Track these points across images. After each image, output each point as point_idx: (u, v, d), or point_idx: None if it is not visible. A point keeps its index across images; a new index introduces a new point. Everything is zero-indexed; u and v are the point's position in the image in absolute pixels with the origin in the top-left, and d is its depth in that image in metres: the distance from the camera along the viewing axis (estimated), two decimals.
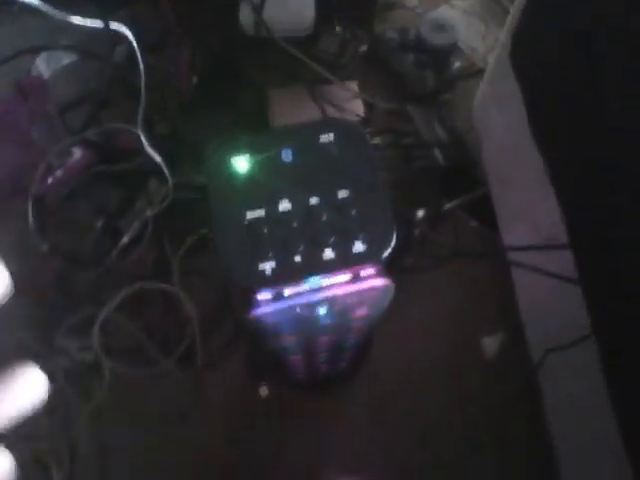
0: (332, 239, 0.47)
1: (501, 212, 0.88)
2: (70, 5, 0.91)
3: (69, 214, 0.84)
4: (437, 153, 0.97)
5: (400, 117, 1.02)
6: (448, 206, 0.92)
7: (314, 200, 0.48)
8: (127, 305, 0.80)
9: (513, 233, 0.86)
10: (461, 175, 0.95)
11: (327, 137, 0.50)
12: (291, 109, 0.98)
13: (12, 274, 0.75)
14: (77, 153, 0.87)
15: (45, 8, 0.89)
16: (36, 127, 0.89)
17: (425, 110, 1.01)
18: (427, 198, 0.93)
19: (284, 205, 0.48)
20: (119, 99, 0.94)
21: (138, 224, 0.82)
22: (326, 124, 0.53)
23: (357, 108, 1.00)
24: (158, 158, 0.82)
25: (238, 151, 0.49)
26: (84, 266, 0.81)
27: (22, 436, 0.75)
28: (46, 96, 0.92)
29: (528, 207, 0.78)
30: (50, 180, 0.85)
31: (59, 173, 0.86)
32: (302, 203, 0.48)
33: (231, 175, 0.49)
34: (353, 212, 0.48)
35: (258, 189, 0.48)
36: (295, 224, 0.47)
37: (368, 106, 1.01)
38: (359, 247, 0.47)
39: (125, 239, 0.82)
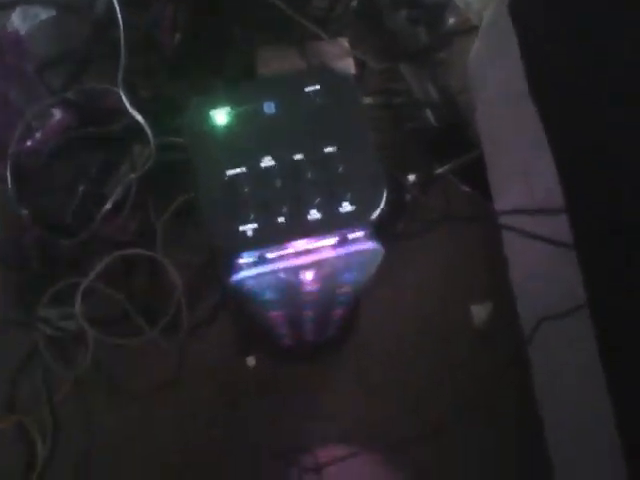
0: (318, 199, 0.44)
1: (494, 174, 0.85)
2: None
3: (49, 178, 0.81)
4: (429, 114, 0.94)
5: (392, 76, 0.98)
6: (439, 171, 0.89)
7: (298, 156, 0.45)
8: (110, 273, 0.78)
9: (506, 197, 0.83)
10: (453, 137, 0.92)
11: (313, 88, 0.47)
12: (280, 66, 0.94)
13: None
14: (57, 114, 0.83)
15: None
16: (13, 85, 0.85)
17: (418, 69, 0.97)
18: (418, 161, 0.90)
19: (267, 162, 0.45)
20: (100, 58, 0.90)
21: (121, 189, 0.79)
22: (312, 74, 0.50)
23: (348, 66, 0.97)
24: (140, 118, 0.79)
25: (218, 104, 0.46)
26: (66, 233, 0.78)
27: (4, 404, 0.74)
28: (23, 53, 0.87)
29: (522, 169, 0.75)
30: (29, 142, 0.82)
31: (38, 135, 0.82)
32: (286, 160, 0.45)
33: (211, 129, 0.46)
34: (340, 170, 0.45)
35: (239, 144, 0.45)
36: (278, 182, 0.44)
37: (359, 64, 0.97)
38: (346, 207, 0.44)
39: (108, 205, 0.79)
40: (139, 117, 0.79)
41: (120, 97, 0.81)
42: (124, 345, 0.77)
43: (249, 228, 0.43)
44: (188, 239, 0.83)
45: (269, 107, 0.47)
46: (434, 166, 0.89)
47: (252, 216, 0.43)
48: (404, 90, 0.95)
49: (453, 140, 0.91)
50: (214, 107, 0.46)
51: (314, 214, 0.44)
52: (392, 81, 0.97)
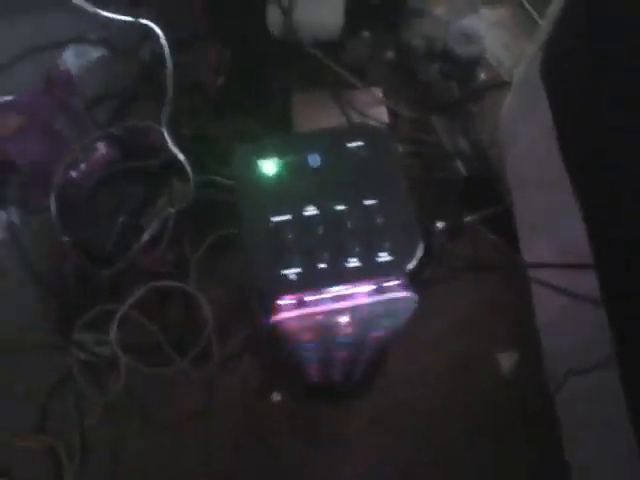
0: (357, 248, 0.47)
1: (523, 226, 0.87)
2: None
3: (91, 209, 0.84)
4: (459, 165, 0.96)
5: (424, 126, 1.01)
6: (468, 219, 0.91)
7: (340, 207, 0.48)
8: (145, 302, 0.81)
9: (534, 248, 0.84)
10: (483, 189, 0.94)
11: (355, 143, 0.50)
12: (315, 113, 0.98)
13: (32, 266, 0.75)
14: (102, 148, 0.87)
15: (76, 1, 0.90)
16: (62, 119, 0.90)
17: (449, 121, 1.00)
18: (447, 209, 0.92)
19: (310, 211, 0.48)
20: (146, 96, 0.95)
21: (159, 222, 0.82)
22: (354, 130, 0.53)
23: (381, 115, 1.00)
24: (181, 156, 0.82)
25: (266, 154, 0.50)
26: (104, 261, 0.81)
27: (35, 426, 0.75)
28: (74, 89, 0.92)
29: (551, 223, 0.76)
30: (74, 174, 0.86)
31: (83, 167, 0.86)
32: (328, 209, 0.48)
33: (258, 178, 0.49)
34: (379, 221, 0.48)
35: (285, 193, 0.49)
36: (320, 231, 0.47)
37: (392, 114, 1.01)
38: (384, 257, 0.47)
39: (146, 237, 0.82)
40: (180, 155, 0.83)
41: (163, 134, 0.85)
42: (154, 374, 0.79)
43: (291, 272, 0.46)
44: (221, 274, 0.86)
45: (314, 159, 0.50)
46: (463, 215, 0.91)
47: (295, 261, 0.46)
48: (435, 141, 0.98)
49: (483, 192, 0.93)
50: (262, 157, 0.49)
51: (353, 262, 0.47)
52: (423, 131, 1.00)
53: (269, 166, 0.49)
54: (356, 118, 0.97)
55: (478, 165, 0.95)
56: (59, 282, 0.82)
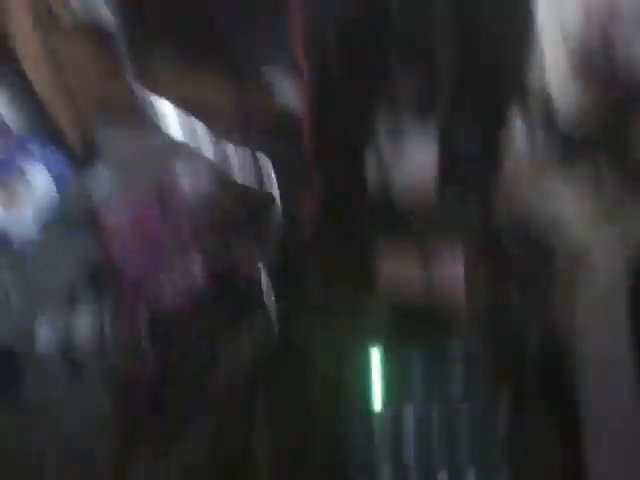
0: (445, 463, 0.48)
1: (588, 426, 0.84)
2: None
3: (179, 328, 0.88)
4: (532, 343, 0.96)
5: (500, 295, 1.03)
6: (531, 405, 0.89)
7: (435, 413, 0.50)
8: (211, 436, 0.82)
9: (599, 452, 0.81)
10: (554, 375, 0.93)
11: (456, 347, 0.53)
12: (397, 267, 1.01)
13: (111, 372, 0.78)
14: (197, 270, 0.93)
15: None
16: (168, 234, 0.97)
17: (526, 296, 1.02)
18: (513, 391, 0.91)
19: (408, 411, 0.50)
20: (248, 226, 1.00)
21: (237, 360, 0.85)
22: (456, 331, 0.55)
23: (459, 280, 1.02)
24: (272, 297, 0.87)
25: (374, 344, 0.52)
26: (179, 384, 0.83)
27: None
28: (183, 209, 0.99)
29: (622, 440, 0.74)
30: (167, 290, 0.91)
31: (176, 285, 0.91)
32: (424, 414, 0.50)
33: (362, 368, 0.51)
34: (465, 435, 0.49)
35: (386, 388, 0.51)
36: (414, 436, 0.49)
37: (470, 279, 1.03)
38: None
39: (223, 373, 0.84)
40: (271, 296, 0.87)
41: (258, 268, 0.89)
42: None
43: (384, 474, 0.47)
44: (294, 431, 0.85)
45: (417, 359, 0.52)
46: (528, 400, 0.89)
47: (389, 465, 0.47)
48: (511, 314, 0.99)
49: (553, 380, 0.92)
50: (370, 348, 0.52)
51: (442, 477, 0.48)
52: (500, 300, 1.02)
53: (376, 358, 0.52)
54: (437, 278, 0.99)
55: (550, 350, 0.95)
56: (132, 396, 0.84)
